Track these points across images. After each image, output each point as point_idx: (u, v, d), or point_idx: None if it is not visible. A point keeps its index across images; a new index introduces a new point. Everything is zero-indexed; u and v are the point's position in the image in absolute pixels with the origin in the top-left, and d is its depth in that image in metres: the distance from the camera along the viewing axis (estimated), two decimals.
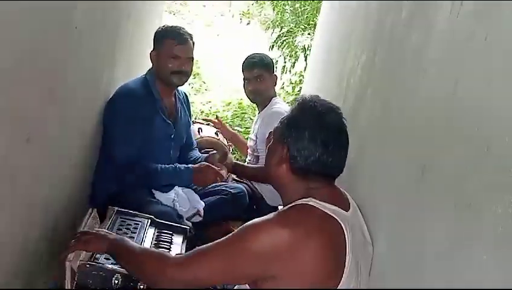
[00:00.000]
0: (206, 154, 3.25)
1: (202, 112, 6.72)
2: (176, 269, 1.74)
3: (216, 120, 4.16)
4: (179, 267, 1.75)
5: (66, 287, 1.96)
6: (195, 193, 3.12)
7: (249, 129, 6.17)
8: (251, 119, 6.53)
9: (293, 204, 1.73)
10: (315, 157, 1.76)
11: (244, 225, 1.69)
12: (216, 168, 2.97)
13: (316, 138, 1.76)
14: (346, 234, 1.68)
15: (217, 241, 1.72)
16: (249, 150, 3.93)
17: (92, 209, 2.41)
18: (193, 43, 3.08)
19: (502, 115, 1.16)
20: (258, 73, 3.69)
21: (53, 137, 2.12)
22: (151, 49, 3.08)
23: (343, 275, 1.66)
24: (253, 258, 1.63)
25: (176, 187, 3.04)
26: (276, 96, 3.80)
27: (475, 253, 1.16)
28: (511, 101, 1.13)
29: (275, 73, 3.84)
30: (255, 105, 6.35)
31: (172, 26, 3.12)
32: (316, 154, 1.75)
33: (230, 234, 1.70)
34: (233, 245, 1.68)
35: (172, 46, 2.99)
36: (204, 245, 1.75)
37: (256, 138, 3.69)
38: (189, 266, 1.72)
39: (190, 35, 3.07)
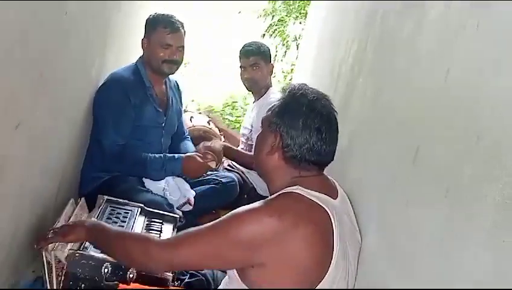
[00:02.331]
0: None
1: (193, 100, 6.69)
2: (162, 250, 1.73)
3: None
4: (165, 248, 1.73)
5: (45, 279, 1.94)
6: (186, 181, 3.10)
7: (240, 118, 6.18)
8: (242, 108, 6.52)
9: (280, 192, 1.73)
10: (309, 144, 1.75)
11: (232, 211, 1.68)
12: (206, 159, 2.96)
13: (309, 125, 1.75)
14: (333, 221, 1.68)
15: (204, 225, 1.71)
16: (242, 138, 3.92)
17: (79, 198, 2.40)
18: (185, 32, 3.05)
19: (493, 104, 1.16)
20: (254, 61, 3.68)
21: (42, 125, 2.11)
22: (143, 36, 3.06)
23: (331, 262, 1.66)
24: (240, 246, 1.63)
25: None
26: (272, 86, 3.79)
27: (466, 241, 1.16)
28: (501, 91, 1.13)
29: (271, 62, 3.83)
30: (246, 94, 6.39)
31: (164, 14, 3.08)
32: (310, 142, 1.75)
33: (218, 220, 1.69)
34: (220, 231, 1.67)
35: (164, 34, 2.97)
36: (191, 228, 1.74)
37: (252, 126, 3.68)
38: (175, 247, 1.72)
39: (182, 23, 3.05)
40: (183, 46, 3.06)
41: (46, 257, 1.92)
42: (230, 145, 3.54)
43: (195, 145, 3.41)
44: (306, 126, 1.75)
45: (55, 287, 1.93)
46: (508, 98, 1.10)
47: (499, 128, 1.12)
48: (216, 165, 3.09)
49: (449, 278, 1.22)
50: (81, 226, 1.92)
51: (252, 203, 1.71)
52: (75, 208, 2.29)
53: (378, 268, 1.72)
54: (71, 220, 2.18)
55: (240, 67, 3.76)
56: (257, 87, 3.75)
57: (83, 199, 2.41)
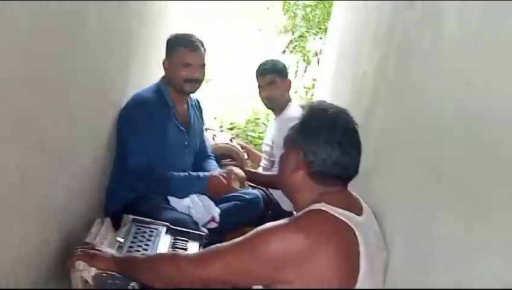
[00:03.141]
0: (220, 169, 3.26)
1: (215, 118, 6.72)
2: (190, 266, 1.76)
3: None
4: (193, 263, 1.76)
5: None
6: (211, 199, 3.11)
7: (262, 134, 6.18)
8: (264, 124, 6.53)
9: (306, 210, 1.73)
10: (333, 159, 1.76)
11: (258, 228, 1.69)
12: (230, 179, 2.98)
13: (332, 140, 1.76)
14: (359, 239, 1.67)
15: (231, 242, 1.72)
16: (264, 155, 3.93)
17: (104, 218, 2.41)
18: (205, 50, 3.08)
19: None
20: (270, 79, 3.70)
21: (65, 146, 2.13)
22: (164, 57, 3.09)
23: (358, 280, 1.64)
24: (265, 262, 1.63)
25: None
26: (291, 101, 3.79)
27: (492, 254, 1.16)
28: None
29: (288, 78, 3.83)
30: (268, 111, 6.40)
31: (183, 34, 3.13)
32: (333, 157, 1.75)
33: (245, 236, 1.70)
34: (247, 247, 1.68)
35: (184, 53, 3.01)
36: (219, 244, 1.76)
37: (273, 143, 3.69)
38: (202, 262, 1.74)
39: (201, 42, 3.08)
40: (203, 64, 3.09)
41: (73, 277, 1.93)
42: (252, 170, 3.55)
43: (218, 163, 3.42)
44: (328, 141, 1.76)
45: None
46: None
47: None
48: (239, 187, 3.11)
49: (473, 284, 1.21)
50: (111, 259, 1.96)
51: (277, 219, 1.71)
52: (101, 228, 2.31)
53: (404, 280, 1.70)
54: (97, 240, 2.19)
55: (258, 86, 3.79)
56: (276, 104, 3.77)
57: (108, 219, 2.43)
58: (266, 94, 3.74)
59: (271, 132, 3.84)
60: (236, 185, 3.02)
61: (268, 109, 4.03)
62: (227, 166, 3.27)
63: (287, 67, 3.92)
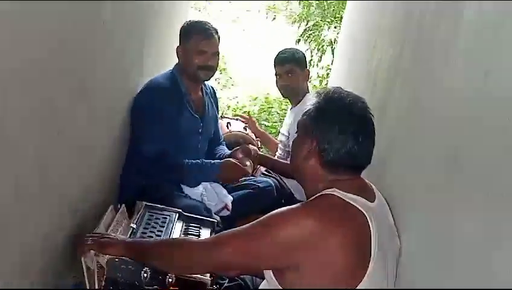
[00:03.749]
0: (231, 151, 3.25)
1: (229, 107, 6.73)
2: (203, 250, 1.77)
3: (247, 116, 4.15)
4: (207, 247, 1.77)
5: (85, 284, 1.96)
6: (223, 187, 3.11)
7: (276, 124, 6.18)
8: (278, 113, 6.53)
9: (317, 195, 1.73)
10: (346, 148, 1.75)
11: (270, 213, 1.69)
12: (241, 165, 2.97)
13: (346, 129, 1.75)
14: (370, 224, 1.67)
15: (244, 226, 1.73)
16: (280, 145, 3.92)
17: (119, 204, 2.42)
18: (219, 38, 3.08)
19: None
20: (289, 68, 3.67)
21: (82, 133, 2.14)
22: (178, 44, 3.09)
23: (369, 266, 1.64)
24: (277, 246, 1.64)
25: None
26: (309, 91, 3.77)
27: (507, 244, 1.15)
28: None
29: (307, 68, 3.81)
30: (281, 99, 6.39)
31: (197, 21, 3.12)
32: (347, 146, 1.75)
33: (257, 221, 1.70)
34: (259, 231, 1.68)
35: (198, 41, 3.00)
36: (231, 229, 1.78)
37: (289, 133, 3.68)
38: (216, 246, 1.74)
39: (215, 29, 3.07)
40: (217, 52, 3.09)
41: (85, 263, 1.94)
42: (266, 154, 3.53)
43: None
44: (343, 130, 1.75)
45: None
46: None
47: None
48: (252, 171, 3.10)
49: (488, 281, 1.20)
50: (120, 244, 1.95)
51: None
52: (115, 214, 2.32)
53: (417, 270, 1.70)
54: (112, 227, 2.21)
55: (276, 74, 3.76)
56: (293, 94, 3.74)
57: (123, 205, 2.43)
58: (284, 83, 3.72)
59: (287, 122, 3.82)
60: (249, 168, 3.01)
61: (285, 98, 4.01)
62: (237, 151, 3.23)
63: (306, 56, 3.89)
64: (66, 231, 2.13)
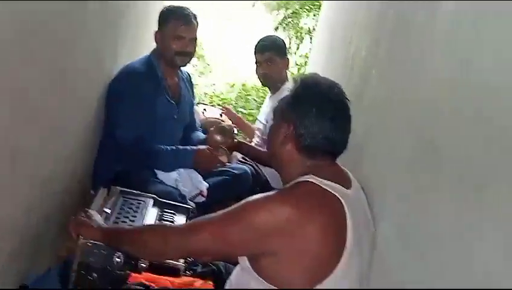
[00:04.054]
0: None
1: (206, 94, 6.70)
2: (178, 236, 1.76)
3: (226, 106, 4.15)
4: (182, 233, 1.77)
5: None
6: (199, 173, 3.10)
7: (253, 111, 6.17)
8: (255, 101, 6.52)
9: (294, 182, 1.73)
10: (323, 133, 1.75)
11: (246, 199, 1.69)
12: (217, 152, 2.97)
13: (323, 114, 1.75)
14: (346, 211, 1.67)
15: (219, 212, 1.72)
16: (257, 132, 3.91)
17: (93, 190, 2.40)
18: (197, 24, 3.06)
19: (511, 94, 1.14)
20: (268, 56, 3.66)
21: (56, 116, 2.11)
22: (156, 29, 3.06)
23: (344, 252, 1.65)
24: (252, 233, 1.64)
25: None
26: (288, 80, 3.75)
27: (480, 229, 1.16)
28: None
29: (287, 56, 3.80)
30: (259, 87, 6.38)
31: (176, 6, 3.10)
32: (324, 131, 1.75)
33: (233, 207, 1.70)
34: (235, 217, 1.68)
35: (177, 26, 2.98)
36: (206, 215, 1.77)
37: (267, 121, 3.66)
38: (192, 232, 1.74)
39: (194, 15, 3.05)
40: (195, 38, 3.07)
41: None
42: (243, 141, 3.51)
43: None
44: (320, 115, 1.75)
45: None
46: None
47: None
48: (227, 160, 3.09)
49: (462, 265, 1.21)
50: (98, 228, 1.94)
51: None
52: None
53: (393, 255, 1.71)
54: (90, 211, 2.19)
55: (255, 62, 3.74)
56: (273, 82, 3.73)
57: (105, 190, 2.41)
58: (263, 71, 3.70)
59: (265, 110, 3.81)
60: (223, 158, 3.01)
61: (264, 86, 4.00)
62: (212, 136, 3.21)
63: (286, 45, 3.88)
64: (38, 214, 2.11)
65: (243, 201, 1.69)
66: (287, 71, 3.82)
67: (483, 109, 1.26)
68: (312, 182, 1.69)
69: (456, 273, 1.25)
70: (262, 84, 3.96)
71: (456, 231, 1.29)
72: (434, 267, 1.37)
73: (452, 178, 1.36)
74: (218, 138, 3.07)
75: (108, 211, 2.23)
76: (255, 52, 3.73)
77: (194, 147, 3.04)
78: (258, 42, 3.74)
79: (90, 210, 2.07)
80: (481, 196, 1.19)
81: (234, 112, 4.31)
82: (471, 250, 1.19)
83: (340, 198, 1.68)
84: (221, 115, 4.01)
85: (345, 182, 1.79)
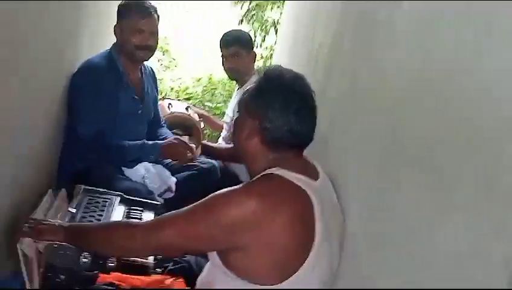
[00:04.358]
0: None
1: (172, 88, 6.65)
2: (145, 232, 1.74)
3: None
4: (148, 230, 1.74)
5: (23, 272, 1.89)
6: (167, 168, 3.07)
7: (220, 105, 6.15)
8: (222, 94, 6.49)
9: (260, 175, 1.72)
10: (288, 126, 1.74)
11: (213, 194, 1.68)
12: (184, 146, 2.94)
13: (287, 106, 1.74)
14: (314, 203, 1.66)
15: (185, 208, 1.71)
16: (225, 126, 3.89)
17: (58, 188, 2.35)
18: (158, 17, 3.01)
19: (473, 84, 1.15)
20: (234, 50, 3.65)
21: (15, 114, 2.06)
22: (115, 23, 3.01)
23: (313, 244, 1.65)
24: (219, 228, 1.62)
25: (146, 163, 2.99)
26: (255, 73, 3.73)
27: (448, 221, 1.16)
28: (480, 71, 1.12)
29: (253, 50, 3.79)
30: (225, 80, 6.35)
31: None
32: (289, 123, 1.74)
33: (199, 202, 1.69)
34: (201, 212, 1.67)
35: (136, 20, 2.93)
36: (172, 211, 1.75)
37: (234, 114, 3.64)
38: (158, 228, 1.72)
39: (154, 8, 3.01)
40: (156, 32, 3.03)
41: (22, 250, 1.87)
42: (208, 143, 3.49)
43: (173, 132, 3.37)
44: (285, 107, 1.73)
45: (35, 280, 1.89)
46: (486, 80, 1.10)
47: (478, 109, 1.11)
48: (194, 158, 3.06)
49: (429, 257, 1.22)
50: (60, 228, 1.89)
51: None
52: (54, 199, 2.25)
53: (361, 250, 1.72)
54: (52, 211, 2.14)
55: (222, 56, 3.73)
56: (240, 76, 3.72)
57: (63, 189, 2.37)
58: (230, 65, 3.70)
59: (233, 104, 3.80)
60: (193, 146, 2.98)
61: (231, 79, 3.98)
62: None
63: (252, 38, 3.87)
64: (2, 217, 2.05)
65: (209, 196, 1.68)
66: (254, 64, 3.80)
67: (445, 99, 1.27)
68: (278, 174, 1.69)
69: (420, 262, 1.26)
70: (230, 78, 3.95)
71: (423, 219, 1.29)
72: (401, 254, 1.38)
73: (417, 168, 1.36)
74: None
75: (73, 210, 2.20)
76: (220, 46, 3.71)
77: (160, 142, 3.00)
78: (223, 36, 3.73)
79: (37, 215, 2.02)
80: (444, 183, 1.20)
81: (199, 108, 4.29)
82: (435, 238, 1.20)
83: (307, 190, 1.67)
84: (187, 109, 3.98)
85: (312, 174, 1.79)
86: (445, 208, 1.18)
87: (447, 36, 1.32)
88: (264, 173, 1.72)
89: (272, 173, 1.70)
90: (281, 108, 1.73)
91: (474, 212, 1.06)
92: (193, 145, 2.98)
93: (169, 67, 7.52)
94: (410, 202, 1.37)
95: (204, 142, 3.42)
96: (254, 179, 1.74)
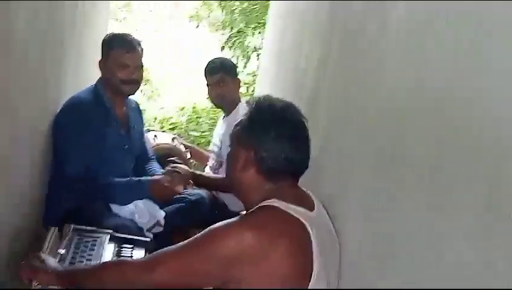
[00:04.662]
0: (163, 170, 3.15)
1: (155, 118, 6.61)
2: (136, 272, 1.70)
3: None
4: (141, 269, 1.70)
5: None
6: (154, 202, 3.01)
7: (205, 133, 6.11)
8: (206, 123, 6.46)
9: (257, 206, 1.69)
10: (284, 154, 1.73)
11: (208, 228, 1.65)
12: (173, 182, 2.90)
13: (281, 134, 1.73)
14: (311, 234, 1.64)
15: (180, 244, 1.68)
16: (212, 155, 3.84)
17: (45, 228, 2.29)
18: (142, 50, 2.99)
19: (470, 102, 1.14)
20: (219, 78, 3.61)
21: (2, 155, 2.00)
22: (100, 57, 2.98)
23: (312, 275, 1.62)
24: (216, 262, 1.60)
25: None
26: (241, 100, 3.71)
27: (447, 242, 1.15)
28: (478, 86, 1.11)
29: (238, 76, 3.77)
30: (209, 108, 6.33)
31: (119, 33, 3.04)
32: (284, 152, 1.73)
33: (194, 237, 1.66)
34: (195, 248, 1.64)
35: (121, 54, 2.90)
36: (166, 248, 1.71)
37: (221, 143, 3.61)
38: (151, 267, 1.68)
39: (138, 42, 2.98)
40: (141, 65, 3.00)
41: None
42: (197, 172, 3.45)
43: (160, 164, 3.32)
44: (278, 136, 1.73)
45: None
46: (481, 90, 1.09)
47: (475, 120, 1.10)
48: (183, 189, 3.01)
49: (433, 269, 1.21)
50: (53, 270, 1.86)
51: (224, 219, 1.68)
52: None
53: (361, 269, 1.71)
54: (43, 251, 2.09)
55: (207, 85, 3.70)
56: (226, 103, 3.68)
57: (56, 229, 2.30)
58: (215, 93, 3.65)
59: (219, 132, 3.76)
60: (180, 188, 2.93)
61: (217, 107, 3.95)
62: (171, 163, 3.16)
63: (236, 65, 3.85)
64: None
65: (204, 231, 1.65)
66: (239, 91, 3.77)
67: (437, 110, 1.27)
68: (275, 206, 1.66)
69: (424, 274, 1.25)
70: (215, 106, 3.92)
71: (422, 235, 1.28)
72: (401, 275, 1.36)
73: (415, 188, 1.35)
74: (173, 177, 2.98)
75: (62, 251, 2.13)
76: (205, 74, 3.69)
77: (148, 178, 2.96)
78: (208, 65, 3.70)
79: (42, 254, 1.98)
80: (445, 205, 1.19)
81: (184, 141, 4.25)
82: (439, 250, 1.19)
83: (304, 222, 1.65)
84: (172, 140, 3.93)
85: (308, 204, 1.77)
86: (446, 223, 1.17)
87: (440, 51, 1.31)
88: (260, 204, 1.69)
89: (269, 205, 1.67)
90: (275, 137, 1.73)
91: (476, 223, 1.06)
92: (180, 187, 2.94)
93: (151, 97, 7.48)
94: (410, 216, 1.36)
95: (194, 171, 3.37)
96: (250, 211, 1.72)
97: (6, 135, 2.03)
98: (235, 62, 7.27)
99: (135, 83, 2.97)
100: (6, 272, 2.13)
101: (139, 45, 2.98)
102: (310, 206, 1.77)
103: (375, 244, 1.62)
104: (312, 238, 1.64)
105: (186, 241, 1.67)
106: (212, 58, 3.80)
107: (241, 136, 1.81)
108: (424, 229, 1.27)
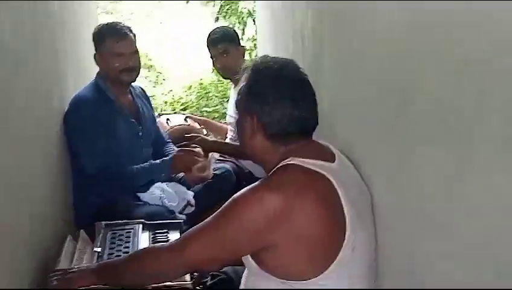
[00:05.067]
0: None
1: (166, 102, 6.59)
2: (171, 253, 1.71)
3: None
4: (175, 250, 1.71)
5: None
6: (181, 184, 3.03)
7: (217, 107, 6.08)
8: (216, 96, 6.42)
9: (275, 168, 1.67)
10: (288, 116, 1.68)
11: (232, 197, 1.63)
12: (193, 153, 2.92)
13: (282, 96, 1.69)
14: (336, 186, 1.61)
15: (208, 219, 1.67)
16: (230, 127, 3.83)
17: (77, 231, 2.30)
18: (134, 36, 2.97)
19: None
20: (222, 48, 3.59)
21: (15, 171, 1.99)
22: (94, 52, 2.97)
23: (346, 228, 1.59)
24: (246, 230, 1.59)
25: (160, 184, 2.94)
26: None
27: (471, 179, 1.12)
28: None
29: (241, 44, 3.73)
30: (216, 82, 6.29)
31: (108, 23, 3.03)
32: (287, 113, 1.68)
33: (220, 209, 1.65)
34: (224, 219, 1.63)
35: (113, 44, 2.88)
36: (195, 226, 1.71)
37: (236, 114, 3.59)
38: (184, 247, 1.68)
39: (129, 28, 2.97)
40: (136, 51, 2.98)
41: None
42: (214, 139, 3.44)
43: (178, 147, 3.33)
44: (279, 98, 1.69)
45: None
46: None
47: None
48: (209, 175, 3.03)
49: (457, 214, 1.19)
50: (89, 271, 1.86)
51: None
52: (76, 243, 2.21)
53: (392, 224, 1.67)
54: (76, 256, 2.11)
55: (211, 57, 3.68)
56: (232, 73, 3.63)
57: (81, 231, 2.33)
58: (220, 64, 3.64)
59: (232, 103, 3.74)
60: (199, 150, 2.99)
61: (224, 78, 3.92)
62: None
63: (237, 33, 3.81)
64: (23, 273, 1.99)
65: (228, 201, 1.64)
66: (244, 59, 3.73)
67: (453, 52, 1.19)
68: (293, 163, 1.64)
69: (449, 221, 1.23)
70: (223, 77, 3.90)
71: (445, 181, 1.24)
72: (433, 214, 1.33)
73: (428, 128, 1.32)
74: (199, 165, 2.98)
75: (99, 249, 2.15)
76: (208, 46, 3.66)
77: (167, 157, 2.98)
78: (209, 36, 3.67)
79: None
80: (461, 137, 1.16)
81: (197, 116, 4.23)
82: (463, 196, 1.16)
83: (326, 174, 1.62)
84: (185, 120, 3.92)
85: (328, 156, 1.73)
86: (466, 162, 1.13)
87: None
88: (278, 165, 1.67)
89: (287, 164, 1.65)
90: (274, 99, 1.69)
91: (497, 169, 1.02)
92: (198, 149, 2.95)
93: (158, 82, 7.45)
94: (430, 160, 1.32)
95: (210, 139, 3.38)
96: (270, 173, 1.69)
97: (10, 145, 1.99)
98: None
99: (133, 69, 2.95)
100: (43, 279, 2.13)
101: (130, 31, 2.96)
102: (330, 158, 1.73)
103: (401, 193, 1.58)
104: (338, 190, 1.61)
105: (214, 215, 1.66)
106: (213, 28, 3.77)
107: (242, 103, 1.78)
108: (444, 168, 1.24)
